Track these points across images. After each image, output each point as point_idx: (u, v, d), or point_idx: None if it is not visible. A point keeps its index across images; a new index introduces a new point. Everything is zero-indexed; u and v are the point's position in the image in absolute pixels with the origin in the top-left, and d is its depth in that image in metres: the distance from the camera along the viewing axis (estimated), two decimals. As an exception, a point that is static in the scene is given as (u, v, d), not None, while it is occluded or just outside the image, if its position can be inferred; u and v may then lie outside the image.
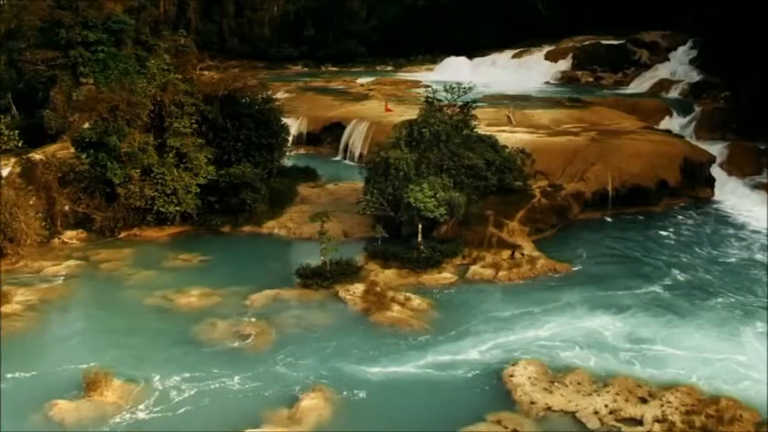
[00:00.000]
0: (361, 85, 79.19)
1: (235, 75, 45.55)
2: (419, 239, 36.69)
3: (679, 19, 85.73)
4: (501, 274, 35.12)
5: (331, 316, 31.02)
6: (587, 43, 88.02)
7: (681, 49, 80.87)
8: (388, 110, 59.08)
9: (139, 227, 40.90)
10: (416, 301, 31.90)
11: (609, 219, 44.57)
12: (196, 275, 35.46)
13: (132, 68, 41.92)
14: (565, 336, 29.40)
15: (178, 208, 39.74)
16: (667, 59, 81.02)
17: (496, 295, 33.45)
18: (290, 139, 50.84)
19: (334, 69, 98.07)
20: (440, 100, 42.49)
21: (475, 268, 35.66)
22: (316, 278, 33.38)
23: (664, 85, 74.78)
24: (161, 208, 39.45)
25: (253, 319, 30.46)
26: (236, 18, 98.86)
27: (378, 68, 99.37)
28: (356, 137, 56.83)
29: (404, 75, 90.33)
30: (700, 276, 36.15)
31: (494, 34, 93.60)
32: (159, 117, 41.84)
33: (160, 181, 39.42)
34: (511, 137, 49.28)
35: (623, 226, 43.46)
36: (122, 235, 40.71)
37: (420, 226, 36.70)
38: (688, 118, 63.15)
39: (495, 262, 36.18)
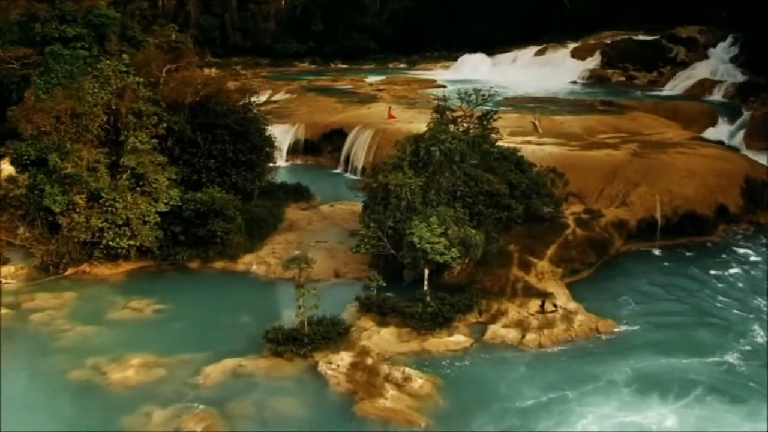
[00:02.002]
0: (370, 85, 70.95)
1: (207, 77, 37.40)
2: (425, 288, 28.63)
3: (716, 12, 77.10)
4: (528, 337, 26.90)
5: (303, 403, 22.98)
6: (617, 38, 79.13)
7: (720, 45, 72.20)
8: (391, 118, 50.75)
9: (90, 262, 33.08)
10: (418, 380, 23.75)
11: (657, 252, 36.13)
12: (145, 333, 27.71)
13: (79, 70, 33.80)
14: (605, 440, 21.40)
15: (131, 242, 31.92)
16: (706, 57, 72.29)
17: (520, 369, 25.27)
18: (278, 152, 42.66)
19: (344, 66, 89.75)
20: (453, 110, 34.35)
21: (495, 329, 27.48)
22: (291, 344, 25.37)
23: (705, 85, 65.92)
24: (111, 242, 31.64)
25: (201, 407, 22.55)
26: (239, 11, 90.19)
27: (390, 65, 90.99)
28: (359, 147, 48.72)
29: (418, 73, 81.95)
30: (785, 338, 27.82)
31: (515, 29, 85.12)
32: (114, 129, 34.06)
33: (110, 209, 31.58)
34: (538, 151, 41.06)
35: (676, 262, 35.01)
36: (69, 271, 32.94)
37: (426, 271, 28.62)
38: (735, 125, 54.63)
39: (520, 319, 27.98)
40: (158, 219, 32.39)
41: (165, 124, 34.18)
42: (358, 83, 72.61)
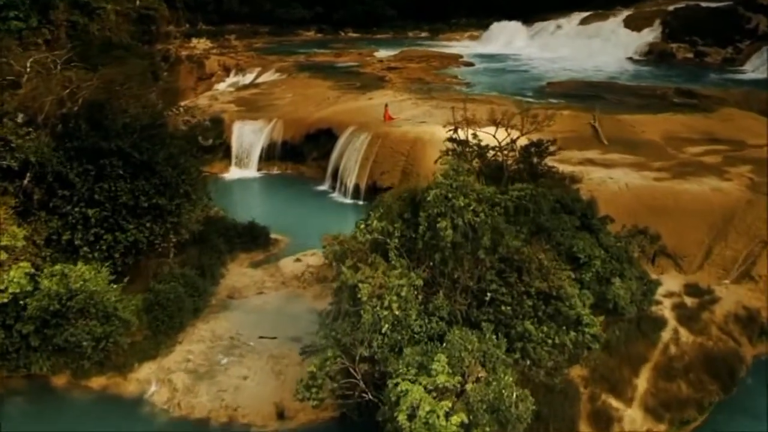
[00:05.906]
0: (380, 61, 56.01)
1: (83, 74, 22.64)
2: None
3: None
4: None
5: None
6: (680, 5, 63.13)
7: (812, 13, 56.32)
8: (388, 118, 36.05)
9: None
10: None
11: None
12: None
13: None
14: None
15: (-65, 361, 18.34)
16: (794, 28, 56.50)
17: None
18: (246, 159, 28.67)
19: (355, 35, 74.69)
20: (477, 138, 19.89)
21: None
22: None
23: (798, 66, 50.46)
24: None
25: None
26: (235, -29, 75.66)
27: (410, 35, 75.90)
28: (350, 157, 34.28)
29: (440, 45, 66.62)
30: None
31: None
32: (-66, 161, 20.23)
33: None
34: (609, 180, 26.49)
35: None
36: None
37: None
38: None
39: None
40: (-13, 317, 18.72)
41: (17, 153, 20.25)
42: (366, 59, 57.71)
